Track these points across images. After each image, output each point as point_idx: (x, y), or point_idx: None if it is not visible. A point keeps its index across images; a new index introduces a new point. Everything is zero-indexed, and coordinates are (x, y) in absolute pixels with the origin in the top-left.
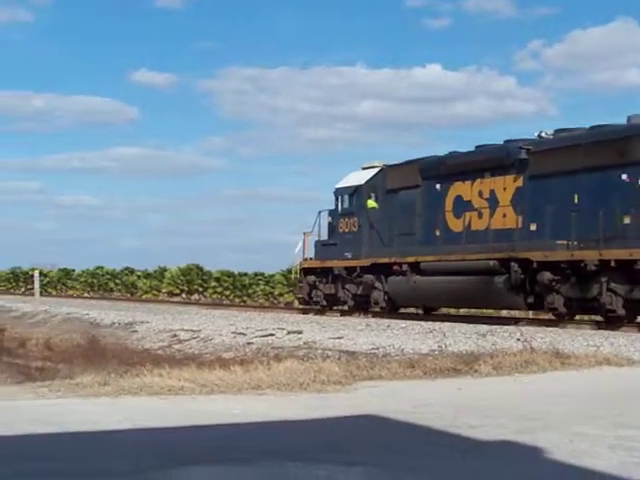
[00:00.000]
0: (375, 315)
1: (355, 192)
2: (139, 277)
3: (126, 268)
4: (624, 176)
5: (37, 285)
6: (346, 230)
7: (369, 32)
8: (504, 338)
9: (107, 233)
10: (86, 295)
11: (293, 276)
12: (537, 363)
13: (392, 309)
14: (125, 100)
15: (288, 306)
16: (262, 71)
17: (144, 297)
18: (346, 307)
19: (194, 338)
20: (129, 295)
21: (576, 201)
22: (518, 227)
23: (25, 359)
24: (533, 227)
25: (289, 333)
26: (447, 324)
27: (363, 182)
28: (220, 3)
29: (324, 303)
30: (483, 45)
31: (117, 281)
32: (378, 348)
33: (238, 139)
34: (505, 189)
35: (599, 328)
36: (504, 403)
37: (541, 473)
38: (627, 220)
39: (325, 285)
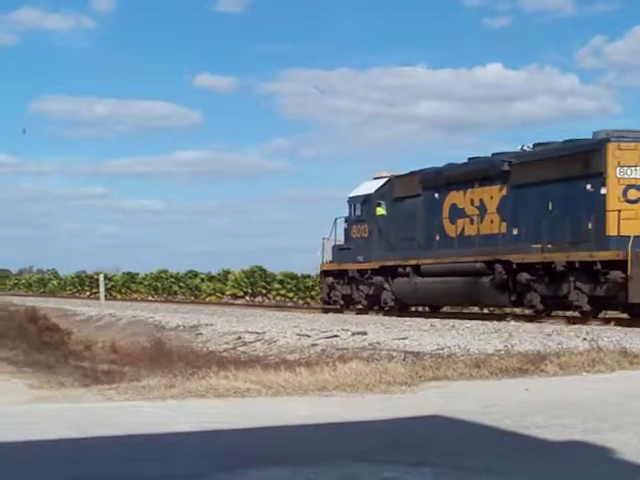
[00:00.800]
0: (387, 313)
1: (366, 200)
2: (203, 280)
3: (190, 271)
4: (588, 186)
5: (102, 289)
6: (358, 236)
7: (428, 32)
8: (570, 337)
9: (171, 237)
10: (150, 298)
11: (316, 278)
12: (604, 362)
13: (400, 308)
14: (187, 104)
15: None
16: (323, 73)
17: (208, 300)
18: (360, 306)
19: (258, 340)
20: (193, 298)
21: (550, 208)
22: (502, 232)
23: (91, 362)
24: (515, 232)
25: (353, 334)
26: (512, 323)
27: (373, 191)
28: (279, 5)
29: (342, 303)
30: (544, 43)
31: (181, 284)
32: (443, 348)
33: (300, 140)
34: (492, 198)
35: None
36: (572, 403)
37: (612, 474)
38: (590, 225)
39: (342, 286)
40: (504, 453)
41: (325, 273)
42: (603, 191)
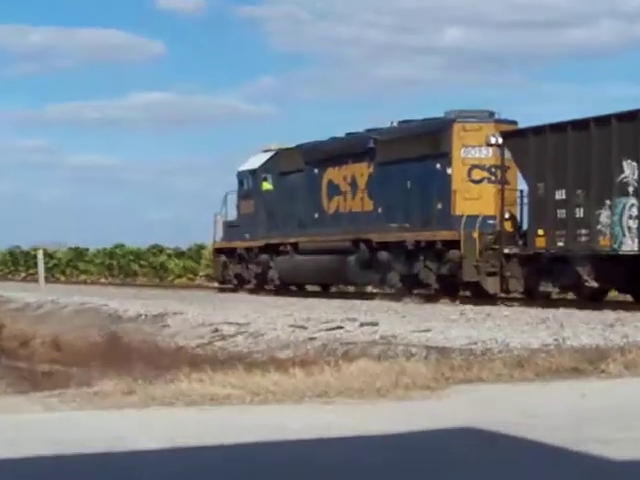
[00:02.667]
0: (276, 293)
1: (252, 175)
2: (170, 257)
3: (153, 246)
4: (438, 166)
5: (41, 269)
6: (246, 212)
7: None
8: (637, 329)
9: (128, 202)
10: (103, 281)
11: (209, 257)
12: None
13: (284, 286)
14: (146, 33)
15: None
16: None
17: (177, 282)
18: (251, 285)
19: (241, 333)
20: (158, 280)
21: (408, 187)
22: (369, 210)
23: (29, 362)
24: (380, 210)
25: (362, 325)
26: (561, 311)
27: (258, 165)
28: None
29: (235, 282)
30: None
31: (142, 262)
32: (476, 343)
33: (292, 80)
34: (362, 175)
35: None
36: None
37: None
38: (440, 205)
39: (234, 265)
40: (557, 476)
41: (217, 251)
42: (449, 171)
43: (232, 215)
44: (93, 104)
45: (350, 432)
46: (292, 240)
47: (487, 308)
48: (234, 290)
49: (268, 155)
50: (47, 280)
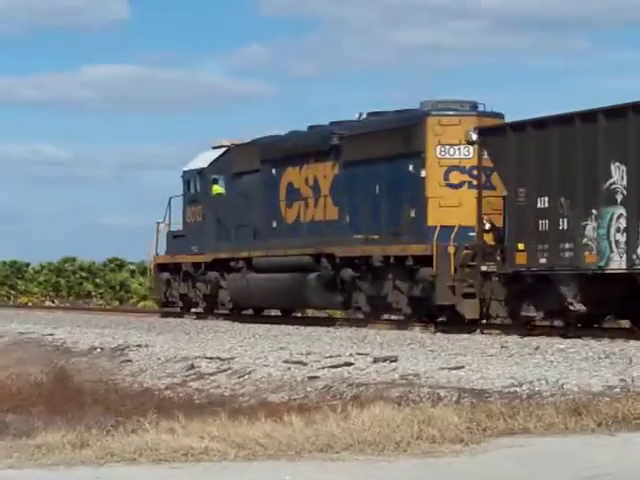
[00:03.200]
0: (228, 317)
1: (200, 175)
2: (133, 274)
3: (112, 260)
4: (410, 167)
5: None
6: (193, 220)
7: None
8: None
9: (80, 204)
10: (49, 304)
11: (149, 274)
12: None
13: (238, 310)
14: None
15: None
16: None
17: (141, 305)
18: (199, 309)
19: (223, 371)
20: (117, 303)
21: (377, 192)
22: (334, 219)
23: None
24: (346, 220)
25: (376, 361)
26: (631, 343)
27: (206, 165)
28: None
29: (180, 304)
30: None
31: (98, 281)
32: (521, 384)
33: (289, 49)
34: (325, 177)
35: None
36: None
37: None
38: (412, 214)
39: (179, 283)
40: None
41: (160, 267)
42: (423, 174)
43: (177, 224)
44: (36, 79)
45: None
46: (245, 254)
47: (535, 340)
48: (179, 315)
49: (219, 152)
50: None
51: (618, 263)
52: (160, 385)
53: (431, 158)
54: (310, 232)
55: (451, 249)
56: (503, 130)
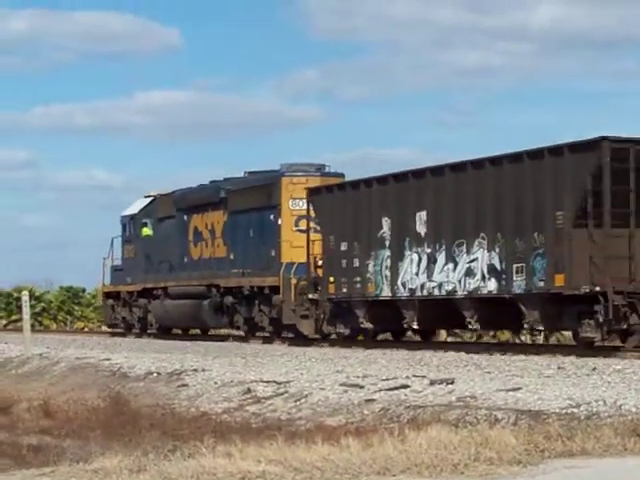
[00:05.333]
0: (157, 336)
1: (133, 220)
2: None
3: None
4: (271, 216)
5: (27, 315)
6: (128, 256)
7: None
8: None
9: None
10: (106, 329)
11: (99, 300)
12: None
13: (163, 330)
14: (156, 16)
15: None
16: None
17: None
18: (136, 330)
19: (279, 395)
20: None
21: (251, 235)
22: (222, 257)
23: (12, 432)
24: (232, 257)
25: (433, 383)
26: None
27: (137, 211)
28: None
29: (122, 326)
30: None
31: None
32: (579, 405)
33: (340, 73)
34: (218, 223)
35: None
36: None
37: None
38: (272, 253)
39: (120, 308)
40: None
41: (106, 295)
42: (279, 221)
43: (118, 259)
44: (89, 106)
45: None
46: (162, 284)
47: (592, 360)
48: (123, 335)
49: (147, 201)
50: (34, 329)
51: (386, 292)
52: (217, 409)
53: (285, 209)
54: (206, 267)
55: (293, 280)
56: (320, 191)
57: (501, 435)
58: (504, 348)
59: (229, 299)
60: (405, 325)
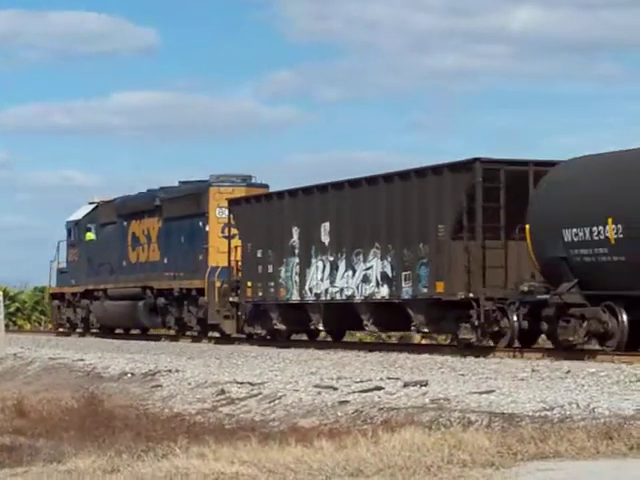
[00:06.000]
0: (97, 335)
1: (77, 225)
2: None
3: None
4: (200, 223)
5: (1, 315)
6: (72, 260)
7: None
8: None
9: None
10: (80, 330)
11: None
12: None
13: (105, 330)
14: (133, 17)
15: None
16: None
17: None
18: (79, 329)
19: (254, 396)
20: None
21: (182, 241)
22: (157, 261)
23: None
24: (165, 260)
25: (407, 385)
26: None
27: (81, 217)
28: None
29: (67, 325)
30: None
31: None
32: (552, 408)
33: (317, 75)
34: (153, 229)
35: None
36: None
37: None
38: (200, 257)
39: (65, 309)
40: None
41: (53, 296)
42: (207, 228)
43: (63, 262)
44: (64, 106)
45: None
46: (103, 286)
47: (566, 363)
48: (67, 334)
49: (91, 207)
50: (8, 329)
51: (296, 296)
52: (191, 410)
53: (212, 217)
54: (142, 270)
55: (217, 284)
56: (239, 201)
57: (474, 438)
58: (478, 351)
59: (162, 300)
60: (312, 326)
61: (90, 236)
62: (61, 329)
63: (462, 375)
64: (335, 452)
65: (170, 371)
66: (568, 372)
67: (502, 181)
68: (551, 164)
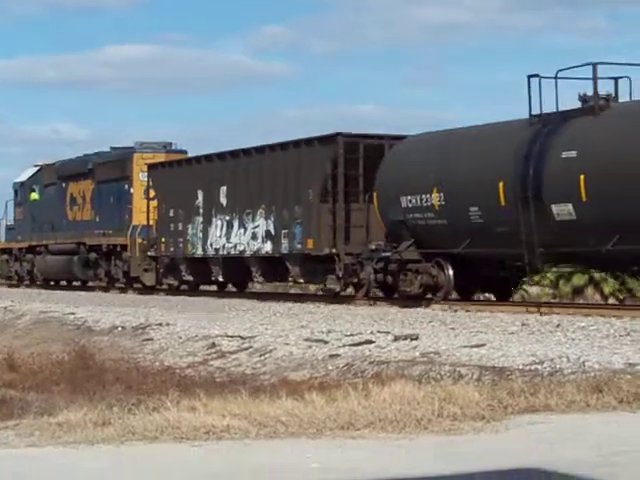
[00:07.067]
0: (42, 287)
1: (22, 186)
2: None
3: None
4: (126, 186)
5: None
6: (19, 218)
7: None
8: None
9: None
10: (27, 282)
11: None
12: None
13: (46, 282)
14: None
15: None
16: None
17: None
18: (27, 282)
19: (244, 349)
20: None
21: (112, 201)
22: (89, 219)
23: None
24: (97, 219)
25: (397, 339)
26: None
27: (26, 178)
28: None
29: (16, 278)
30: None
31: None
32: (542, 362)
33: (309, 28)
34: (88, 190)
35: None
36: None
37: None
38: (126, 217)
39: (13, 263)
40: None
41: (2, 251)
42: (131, 190)
43: (11, 220)
44: (55, 60)
45: (383, 475)
46: (44, 242)
47: (556, 317)
48: (17, 285)
49: (35, 170)
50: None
51: (200, 251)
52: (181, 364)
53: (136, 180)
54: (77, 228)
55: (138, 240)
56: (156, 166)
57: (465, 391)
58: (468, 304)
59: (93, 255)
60: (213, 278)
61: (34, 196)
62: (9, 282)
63: (452, 329)
64: (326, 405)
65: (161, 325)
66: (558, 326)
67: (361, 152)
68: (402, 138)
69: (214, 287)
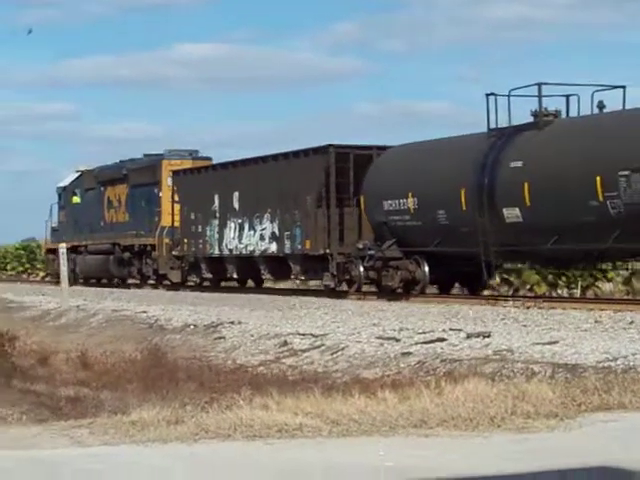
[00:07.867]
0: (83, 284)
1: (64, 191)
2: None
3: None
4: (156, 190)
5: (65, 267)
6: (62, 220)
7: None
8: None
9: None
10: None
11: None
12: None
13: (85, 280)
14: None
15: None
16: None
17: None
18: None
19: (316, 347)
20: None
21: (143, 205)
22: (125, 221)
23: (49, 383)
24: (131, 222)
25: (469, 337)
26: None
27: (68, 183)
28: None
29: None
30: None
31: None
32: (616, 359)
33: (377, 27)
34: (123, 194)
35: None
36: None
37: None
38: (156, 219)
39: (57, 262)
40: None
41: (48, 251)
42: (160, 194)
43: (55, 222)
44: (128, 59)
45: (456, 473)
46: (84, 243)
47: (629, 314)
48: (57, 283)
49: (77, 175)
50: (72, 281)
51: (217, 251)
52: (253, 362)
53: (164, 185)
54: (113, 229)
55: (166, 240)
56: (179, 173)
57: (538, 389)
58: (540, 302)
59: (127, 255)
60: (229, 275)
61: (75, 199)
62: (54, 280)
63: (525, 326)
64: (398, 403)
65: (232, 323)
66: (631, 323)
67: (351, 162)
68: (388, 149)
69: (235, 283)
